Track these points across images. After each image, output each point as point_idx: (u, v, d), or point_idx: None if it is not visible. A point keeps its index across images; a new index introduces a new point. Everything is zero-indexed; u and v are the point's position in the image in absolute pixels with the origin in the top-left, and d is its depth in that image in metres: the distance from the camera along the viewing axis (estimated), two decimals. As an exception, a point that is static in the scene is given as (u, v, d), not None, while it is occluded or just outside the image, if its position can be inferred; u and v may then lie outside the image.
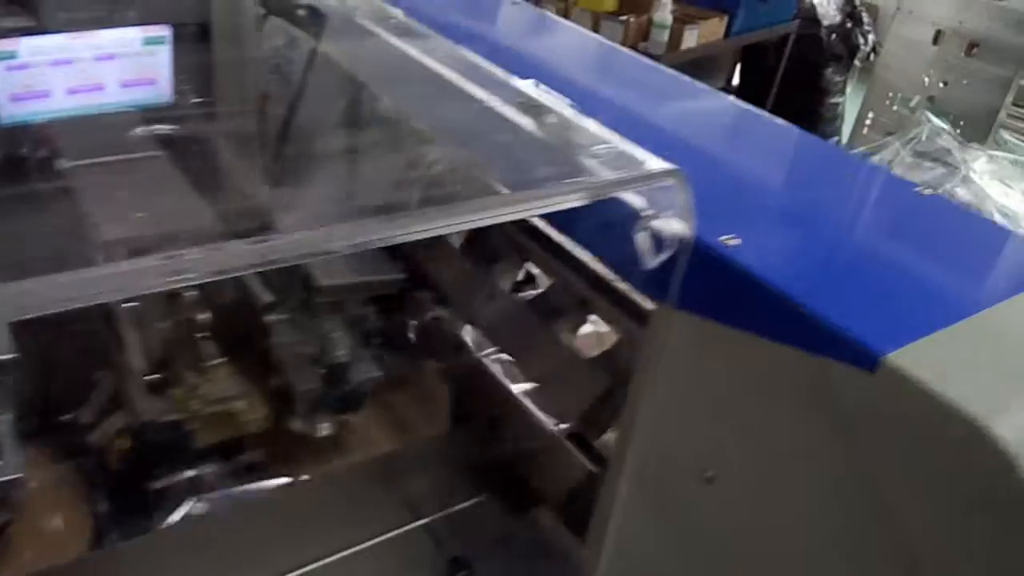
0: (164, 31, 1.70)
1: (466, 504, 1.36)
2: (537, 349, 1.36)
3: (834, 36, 5.03)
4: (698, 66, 5.37)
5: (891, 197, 1.13)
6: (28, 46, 1.49)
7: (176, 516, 1.16)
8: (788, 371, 0.89)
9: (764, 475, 0.96)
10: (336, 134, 1.40)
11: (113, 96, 1.70)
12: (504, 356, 1.43)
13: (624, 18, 3.44)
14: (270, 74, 1.79)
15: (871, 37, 5.17)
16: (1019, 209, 2.93)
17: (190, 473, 1.14)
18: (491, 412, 1.43)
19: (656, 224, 0.93)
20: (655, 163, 0.90)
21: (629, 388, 1.09)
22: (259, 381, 1.25)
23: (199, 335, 1.19)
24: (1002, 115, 4.59)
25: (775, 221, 1.03)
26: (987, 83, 4.59)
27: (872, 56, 5.20)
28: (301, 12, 1.74)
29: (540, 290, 1.46)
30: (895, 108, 5.03)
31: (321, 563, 1.21)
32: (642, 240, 0.91)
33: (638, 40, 3.45)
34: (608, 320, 1.25)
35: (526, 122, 0.96)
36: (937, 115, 4.52)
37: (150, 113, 1.57)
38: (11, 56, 1.48)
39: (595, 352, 1.30)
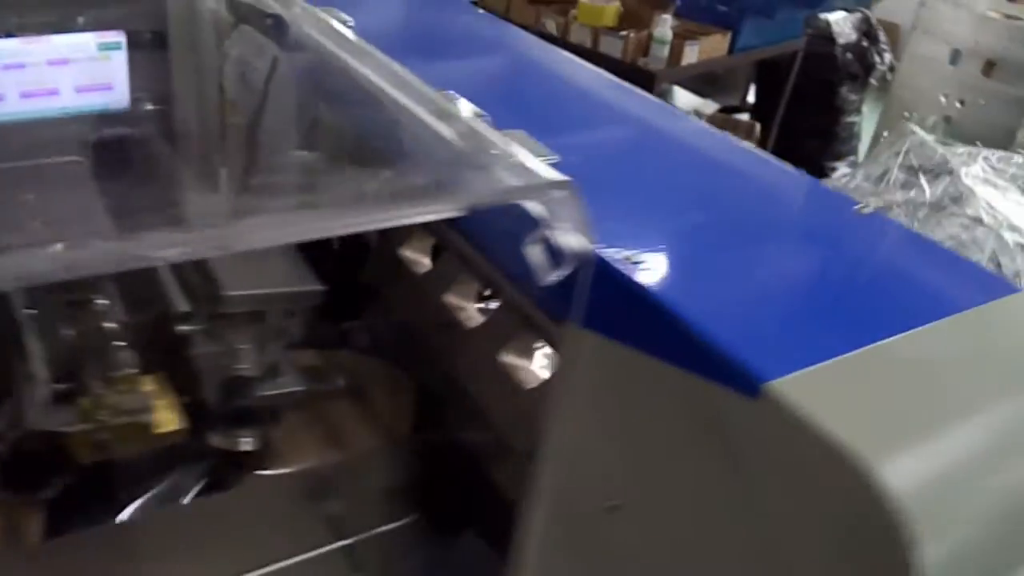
0: (119, 37, 1.69)
1: (392, 526, 1.32)
2: (472, 368, 1.32)
3: (849, 55, 4.96)
4: (711, 82, 5.32)
5: (821, 215, 1.08)
6: (-22, 50, 1.48)
7: (78, 528, 1.13)
8: (683, 396, 0.84)
9: (664, 505, 0.91)
10: (242, 139, 1.38)
11: (68, 101, 1.70)
12: (444, 373, 1.39)
13: (624, 33, 3.40)
14: (230, 80, 1.78)
15: (887, 56, 5.09)
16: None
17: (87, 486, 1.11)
18: (426, 430, 1.40)
19: (552, 237, 0.88)
20: (548, 174, 0.85)
21: (540, 412, 1.05)
22: (175, 393, 1.22)
23: (111, 344, 1.16)
24: (1021, 136, 4.48)
25: (685, 238, 0.98)
26: (1005, 104, 4.48)
27: (889, 75, 5.11)
28: (268, 21, 1.72)
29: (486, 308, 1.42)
30: (911, 128, 4.93)
31: None
32: (534, 253, 0.87)
33: (638, 55, 3.41)
34: (534, 338, 1.21)
35: (427, 131, 0.92)
36: (954, 136, 4.42)
37: (93, 117, 1.56)
38: (-39, 60, 1.47)
39: (525, 371, 1.26)
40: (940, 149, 2.99)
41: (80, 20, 1.60)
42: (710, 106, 5.18)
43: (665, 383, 0.86)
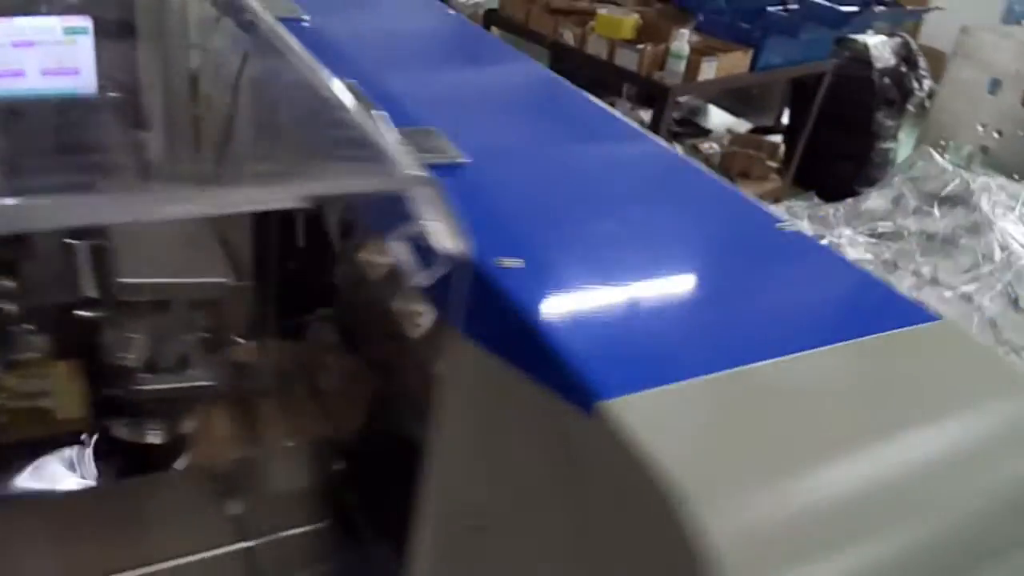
0: (85, 21, 1.69)
1: (302, 529, 1.28)
2: (386, 370, 1.28)
3: (887, 79, 4.83)
4: (745, 102, 5.23)
5: (732, 231, 1.02)
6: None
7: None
8: (537, 410, 0.80)
9: (524, 520, 0.86)
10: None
11: (34, 83, 1.70)
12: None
13: (640, 46, 3.34)
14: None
15: (927, 83, 4.94)
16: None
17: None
18: (348, 431, 1.36)
19: (422, 236, 0.84)
20: (410, 171, 0.81)
21: (426, 423, 1.00)
22: (86, 380, 1.21)
23: (15, 327, 1.15)
24: (1059, 170, 4.31)
25: (571, 245, 0.93)
26: (1046, 135, 4.33)
27: (927, 102, 4.97)
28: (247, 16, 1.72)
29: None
30: (946, 157, 4.79)
31: None
32: (399, 251, 0.83)
33: (653, 69, 3.35)
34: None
35: (297, 120, 0.89)
36: (991, 166, 4.27)
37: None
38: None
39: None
40: (958, 177, 2.88)
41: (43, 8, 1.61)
42: (743, 125, 5.09)
43: (524, 396, 0.81)
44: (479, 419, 0.91)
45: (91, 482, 1.20)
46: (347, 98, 0.94)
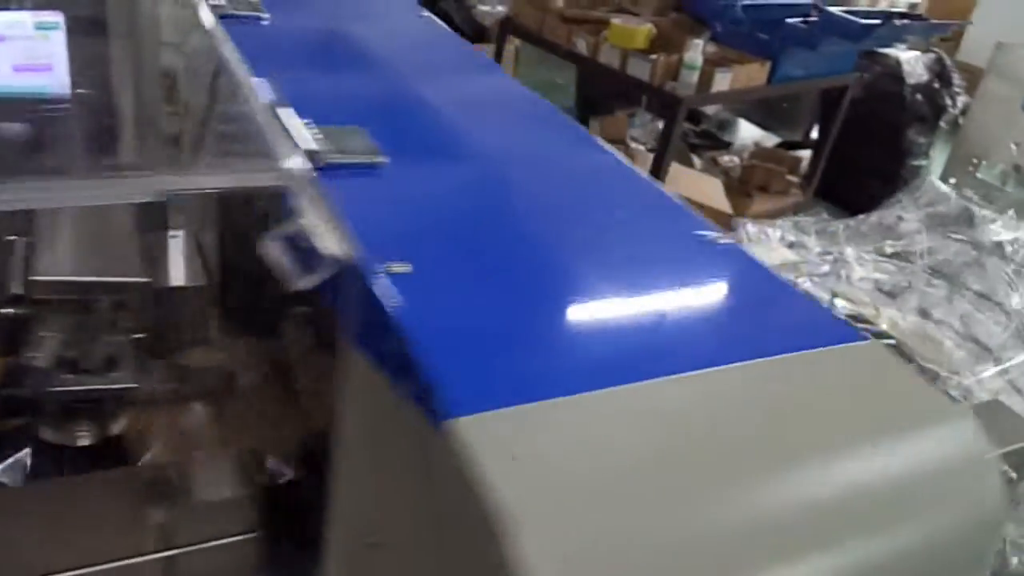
0: (57, 17, 1.68)
1: (228, 540, 1.25)
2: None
3: (919, 96, 4.70)
4: (775, 116, 5.14)
5: (655, 244, 0.96)
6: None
7: None
8: (408, 425, 0.75)
9: (407, 541, 0.81)
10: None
11: (5, 80, 1.70)
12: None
13: (653, 57, 3.28)
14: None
15: (961, 99, 4.80)
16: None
17: None
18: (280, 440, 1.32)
19: (301, 237, 0.80)
20: (294, 167, 0.77)
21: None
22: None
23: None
24: (1096, 193, 4.15)
25: (475, 252, 0.88)
26: (1081, 156, 4.17)
27: (960, 119, 4.83)
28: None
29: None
30: (979, 176, 4.64)
31: None
32: (273, 250, 0.79)
33: (666, 79, 3.28)
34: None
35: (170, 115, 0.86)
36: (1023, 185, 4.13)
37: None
38: None
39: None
40: (961, 205, 2.77)
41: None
42: (771, 139, 5.01)
43: (400, 411, 0.76)
44: (368, 432, 0.86)
45: (7, 482, 1.17)
46: (253, 95, 0.90)
